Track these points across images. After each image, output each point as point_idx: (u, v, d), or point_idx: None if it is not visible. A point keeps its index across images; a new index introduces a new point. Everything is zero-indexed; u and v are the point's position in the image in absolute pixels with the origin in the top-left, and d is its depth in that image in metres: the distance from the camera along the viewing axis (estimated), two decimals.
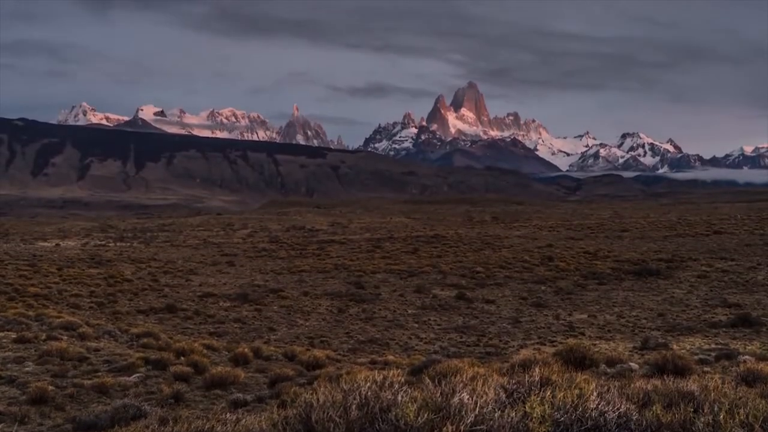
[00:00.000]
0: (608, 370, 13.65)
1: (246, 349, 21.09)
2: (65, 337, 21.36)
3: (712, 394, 6.28)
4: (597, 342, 28.30)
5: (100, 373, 16.63)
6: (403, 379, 6.19)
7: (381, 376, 5.98)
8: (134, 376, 16.55)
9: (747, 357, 17.62)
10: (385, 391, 5.65)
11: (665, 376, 7.83)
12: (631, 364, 15.03)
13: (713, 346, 26.38)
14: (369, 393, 5.60)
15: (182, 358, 18.34)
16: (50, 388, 14.55)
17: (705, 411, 5.89)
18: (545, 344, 28.78)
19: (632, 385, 6.80)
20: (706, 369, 14.79)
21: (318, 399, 5.65)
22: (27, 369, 16.70)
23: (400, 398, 5.60)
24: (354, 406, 5.47)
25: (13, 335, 20.62)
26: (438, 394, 5.73)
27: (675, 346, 25.66)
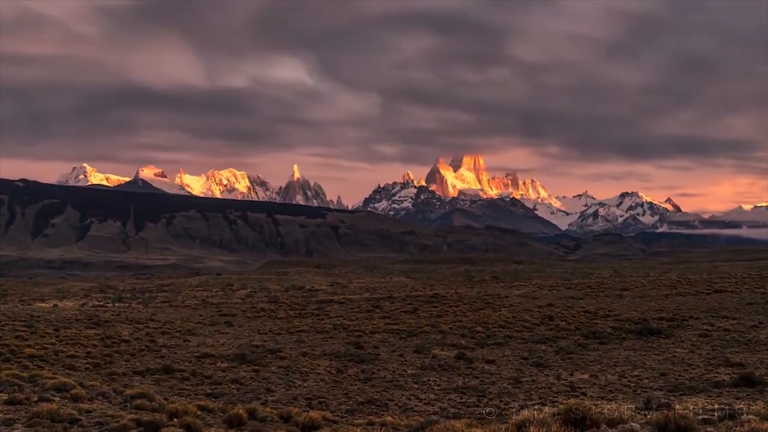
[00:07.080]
0: (609, 431, 13.40)
1: (241, 411, 20.82)
2: (57, 399, 21.04)
3: None
4: (598, 402, 27.84)
5: None
6: None
7: None
8: None
9: (751, 417, 17.31)
10: None
11: None
12: (633, 424, 14.74)
13: (716, 405, 25.92)
14: None
15: (175, 419, 18.04)
16: None
17: None
18: (546, 404, 28.34)
19: None
20: (709, 429, 14.52)
21: None
22: None
23: None
24: None
25: (5, 397, 20.34)
26: None
27: (678, 406, 25.28)
